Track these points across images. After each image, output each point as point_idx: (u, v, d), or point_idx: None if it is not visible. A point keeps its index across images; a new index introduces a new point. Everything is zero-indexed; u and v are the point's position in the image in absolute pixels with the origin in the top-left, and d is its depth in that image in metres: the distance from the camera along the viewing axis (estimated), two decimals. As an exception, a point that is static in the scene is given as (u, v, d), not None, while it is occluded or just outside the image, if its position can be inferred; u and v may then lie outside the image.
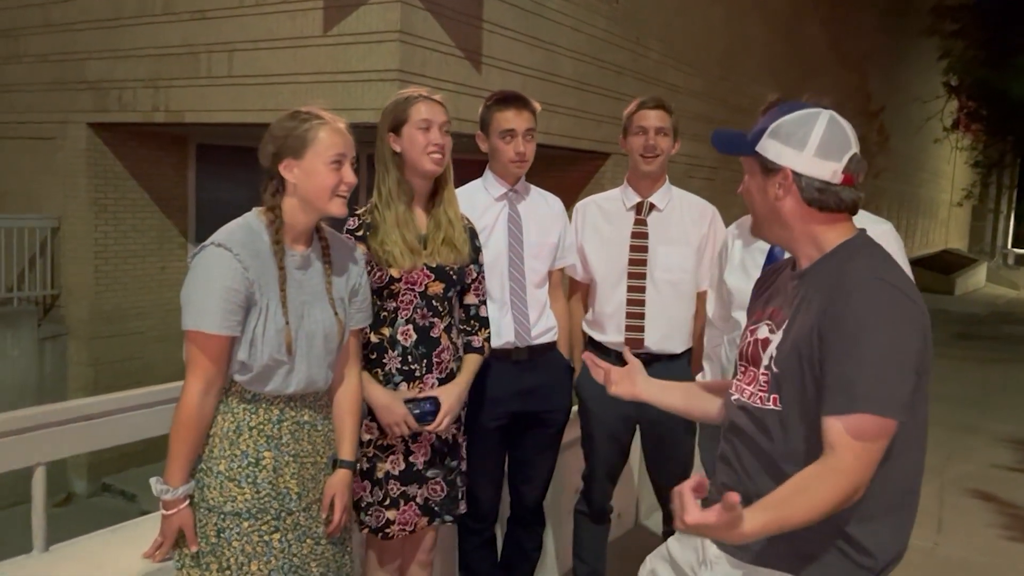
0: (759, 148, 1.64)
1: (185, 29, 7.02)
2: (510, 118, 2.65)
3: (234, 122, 6.81)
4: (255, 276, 1.86)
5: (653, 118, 2.81)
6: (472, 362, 2.48)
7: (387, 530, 2.35)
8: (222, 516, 1.89)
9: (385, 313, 2.32)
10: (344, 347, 2.09)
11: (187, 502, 1.89)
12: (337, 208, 1.94)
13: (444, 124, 2.33)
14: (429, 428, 2.32)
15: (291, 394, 1.95)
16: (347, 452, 2.11)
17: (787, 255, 1.81)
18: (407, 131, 2.31)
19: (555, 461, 2.96)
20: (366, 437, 2.32)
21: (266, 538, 1.92)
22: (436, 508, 2.41)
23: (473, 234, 2.50)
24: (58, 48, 8.00)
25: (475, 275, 2.49)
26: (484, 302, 2.54)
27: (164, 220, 8.55)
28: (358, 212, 2.37)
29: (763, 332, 1.70)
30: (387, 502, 2.34)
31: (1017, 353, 11.52)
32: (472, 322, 2.51)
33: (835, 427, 1.48)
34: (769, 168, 1.64)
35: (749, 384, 1.70)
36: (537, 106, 2.72)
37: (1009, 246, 35.54)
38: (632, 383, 2.03)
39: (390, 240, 2.29)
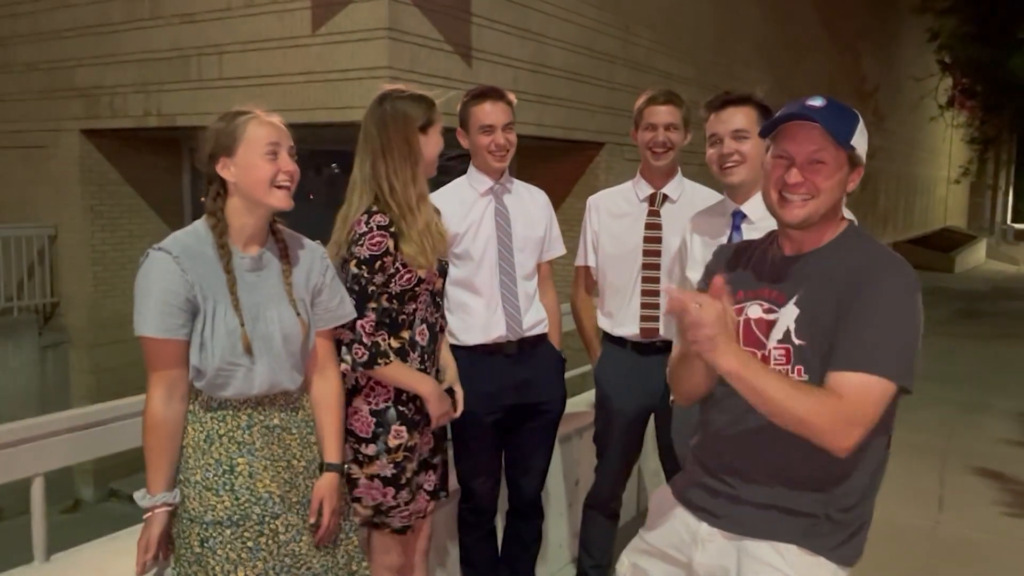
0: (854, 142, 1.69)
1: (174, 33, 7.01)
2: (488, 111, 2.67)
3: (226, 124, 6.79)
4: (196, 279, 1.84)
5: (662, 114, 2.81)
6: (447, 345, 2.54)
7: (412, 520, 2.39)
8: (204, 526, 1.88)
9: (404, 316, 2.29)
10: (313, 350, 2.05)
11: (164, 509, 1.88)
12: (278, 201, 1.90)
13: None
14: (453, 416, 2.44)
15: (256, 397, 1.92)
16: (332, 455, 2.07)
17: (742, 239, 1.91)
18: (433, 135, 2.28)
19: (552, 452, 2.97)
20: (395, 443, 2.28)
21: (250, 544, 1.89)
22: (439, 490, 2.48)
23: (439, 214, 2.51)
24: (47, 56, 7.98)
25: None
26: None
27: (161, 225, 8.53)
28: (375, 210, 2.23)
29: (756, 312, 1.74)
30: (411, 498, 2.35)
31: (1019, 329, 11.51)
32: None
33: (850, 380, 1.56)
34: (856, 163, 1.71)
35: None
36: (513, 98, 2.72)
37: (1008, 222, 35.50)
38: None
39: (421, 247, 2.24)
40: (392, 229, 2.21)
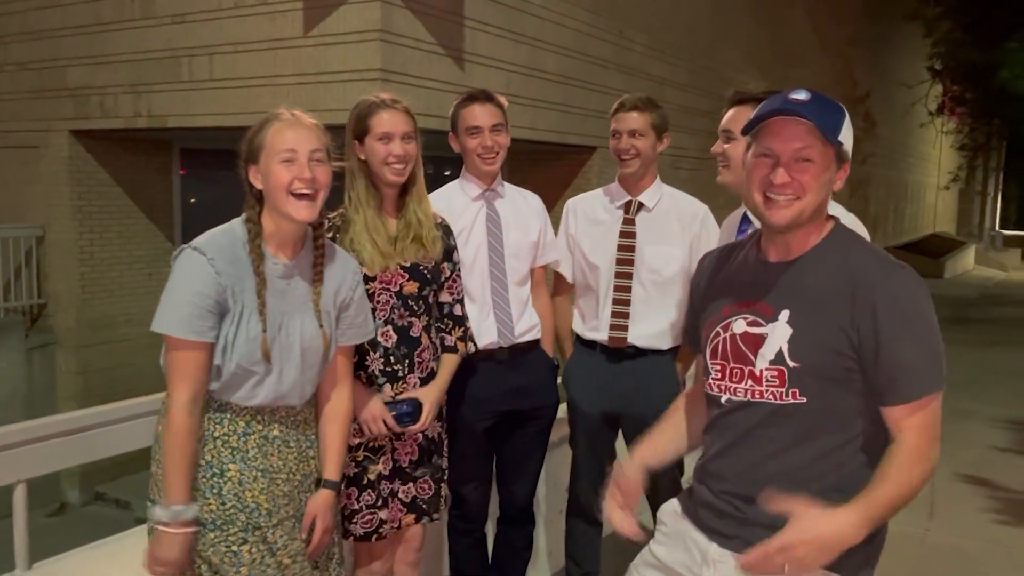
0: (841, 137, 1.61)
1: (165, 33, 6.97)
2: (475, 114, 2.65)
3: (216, 126, 6.77)
4: (229, 282, 1.80)
5: (626, 120, 2.80)
6: (448, 361, 2.47)
7: (380, 530, 2.34)
8: None
9: None
10: (332, 363, 2.01)
11: (186, 529, 1.79)
12: (297, 211, 1.83)
13: (407, 134, 2.29)
14: (412, 429, 2.30)
15: (258, 406, 1.88)
16: (331, 472, 2.02)
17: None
18: (368, 142, 2.29)
19: (543, 459, 2.95)
20: (354, 441, 2.29)
21: (234, 548, 1.86)
22: (424, 506, 2.42)
23: (447, 231, 2.49)
24: (38, 55, 7.92)
25: (449, 273, 2.47)
26: (459, 300, 2.51)
27: (150, 226, 8.49)
28: (330, 216, 2.31)
29: (741, 326, 1.68)
30: (379, 503, 2.32)
31: (1009, 335, 11.56)
32: (446, 320, 2.49)
33: (909, 416, 1.56)
34: (843, 159, 1.63)
35: (739, 381, 1.67)
36: (503, 100, 2.70)
37: (997, 228, 35.72)
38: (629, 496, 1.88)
39: (359, 243, 2.26)
40: (329, 234, 2.25)
